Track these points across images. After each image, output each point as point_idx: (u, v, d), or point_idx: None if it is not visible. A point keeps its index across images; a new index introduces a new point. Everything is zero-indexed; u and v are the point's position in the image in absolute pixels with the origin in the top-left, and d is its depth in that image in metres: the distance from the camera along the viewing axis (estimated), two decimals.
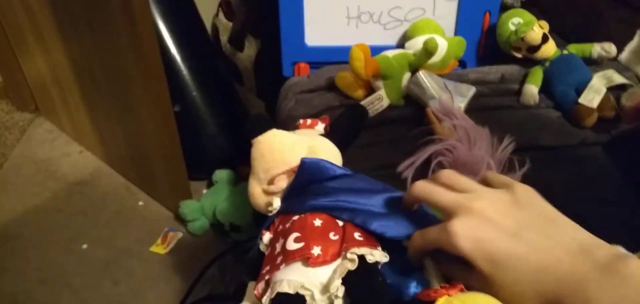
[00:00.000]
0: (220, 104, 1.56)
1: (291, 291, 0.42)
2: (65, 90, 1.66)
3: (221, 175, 1.56)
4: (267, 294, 0.43)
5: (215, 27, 1.68)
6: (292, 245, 0.45)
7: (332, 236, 0.45)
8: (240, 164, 1.64)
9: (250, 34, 1.54)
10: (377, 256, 0.43)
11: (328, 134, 0.63)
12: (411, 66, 0.90)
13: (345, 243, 0.44)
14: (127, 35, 1.19)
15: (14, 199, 1.68)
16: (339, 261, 0.43)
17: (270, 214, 0.52)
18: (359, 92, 0.92)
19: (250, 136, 0.58)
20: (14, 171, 1.78)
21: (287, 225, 0.48)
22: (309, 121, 0.71)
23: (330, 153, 0.58)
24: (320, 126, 0.66)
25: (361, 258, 0.42)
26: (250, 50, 1.57)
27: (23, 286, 1.43)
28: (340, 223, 0.47)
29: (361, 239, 0.45)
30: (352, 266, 0.42)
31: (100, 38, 1.31)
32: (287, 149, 0.55)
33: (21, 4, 1.54)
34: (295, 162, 0.53)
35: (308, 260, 0.43)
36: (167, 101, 1.32)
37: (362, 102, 0.90)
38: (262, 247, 0.51)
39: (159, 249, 1.53)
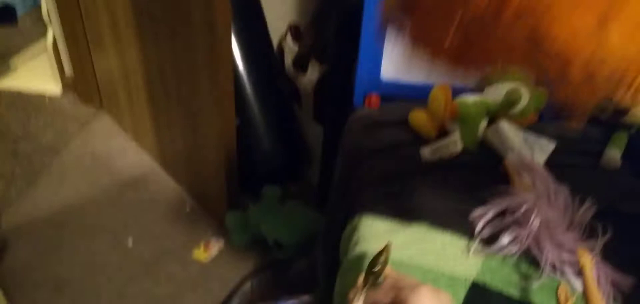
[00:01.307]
0: (277, 122, 1.59)
1: None
2: (132, 90, 1.73)
3: (270, 191, 1.57)
4: None
5: (281, 48, 1.72)
6: None
7: None
8: (289, 183, 1.65)
9: (314, 58, 1.57)
10: None
11: None
12: (490, 113, 0.89)
13: None
14: (206, 49, 1.23)
15: (69, 188, 1.74)
16: None
17: None
18: (432, 132, 0.91)
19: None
20: (71, 161, 1.85)
21: None
22: None
23: None
24: None
25: None
26: (312, 74, 1.59)
27: (66, 274, 1.46)
28: None
29: None
30: None
31: (177, 46, 1.36)
32: None
33: (105, 7, 1.62)
34: None
35: None
36: (232, 112, 1.35)
37: (435, 143, 0.89)
38: None
39: (200, 255, 1.54)
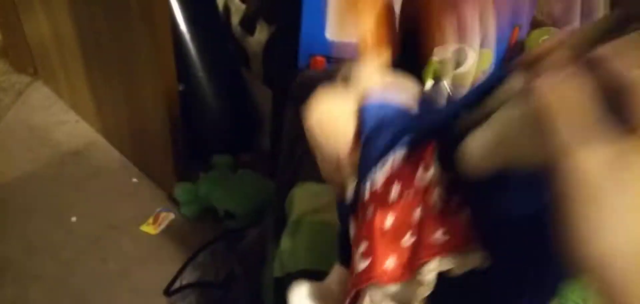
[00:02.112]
0: (225, 88, 1.52)
1: None
2: (67, 56, 1.61)
3: (220, 160, 1.52)
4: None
5: (227, 8, 1.64)
6: (361, 264, 0.36)
7: (408, 239, 0.34)
8: (240, 151, 1.60)
9: (263, 18, 1.50)
10: (471, 261, 0.30)
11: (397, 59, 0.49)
12: (435, 73, 0.87)
13: (419, 249, 0.33)
14: (139, 7, 1.15)
15: (4, 163, 1.63)
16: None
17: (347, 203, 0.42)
18: None
19: (299, 104, 0.46)
20: (7, 134, 1.73)
21: (361, 223, 0.38)
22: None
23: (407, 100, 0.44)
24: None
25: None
26: (261, 35, 1.52)
27: (8, 254, 1.38)
28: (417, 215, 0.34)
29: (445, 239, 0.31)
30: (426, 291, 0.31)
31: (109, 8, 1.27)
32: (347, 122, 0.42)
33: None
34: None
35: (378, 282, 0.34)
36: (173, 77, 1.28)
37: None
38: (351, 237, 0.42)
39: (149, 229, 1.49)
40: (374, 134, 0.39)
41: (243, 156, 1.60)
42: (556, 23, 0.94)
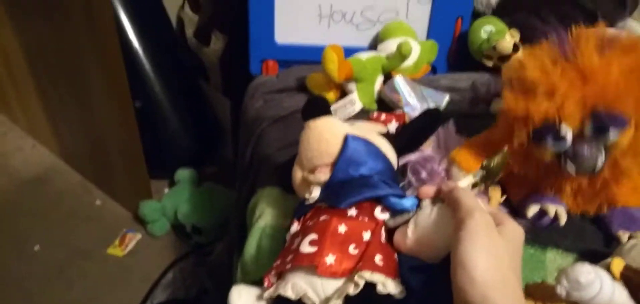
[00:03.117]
0: (183, 101, 1.50)
1: (294, 297, 0.41)
2: (18, 80, 1.57)
3: (183, 175, 1.50)
4: (270, 290, 0.43)
5: (180, 20, 1.61)
6: (306, 248, 0.43)
7: (353, 249, 0.43)
8: (204, 164, 1.59)
9: (217, 28, 1.48)
10: (391, 287, 0.40)
11: (394, 134, 0.59)
12: (384, 69, 0.88)
13: (361, 261, 0.41)
14: (85, 23, 1.13)
15: None
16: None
17: (307, 204, 0.50)
18: (331, 95, 0.88)
19: (304, 117, 0.54)
20: None
21: (311, 223, 0.47)
22: (383, 116, 0.68)
23: (385, 154, 0.55)
24: (393, 125, 0.63)
25: (372, 285, 0.40)
26: (216, 45, 1.51)
27: None
28: (366, 237, 0.44)
29: (381, 263, 0.41)
30: (353, 291, 0.39)
31: (55, 25, 1.24)
32: (336, 141, 0.51)
33: None
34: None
35: (317, 267, 0.41)
36: (127, 94, 1.26)
37: (334, 106, 0.86)
38: (287, 236, 0.50)
39: (116, 251, 1.46)
40: (349, 164, 0.50)
41: (207, 168, 1.58)
42: (495, 12, 0.96)
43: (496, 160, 0.49)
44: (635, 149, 0.53)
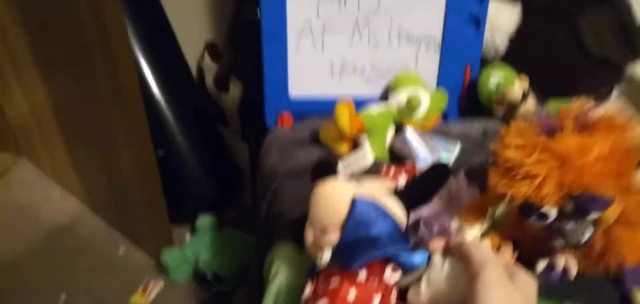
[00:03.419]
0: (204, 148, 1.54)
1: None
2: (45, 131, 1.63)
3: (205, 221, 1.52)
4: None
5: (200, 69, 1.67)
6: None
7: None
8: (224, 208, 1.61)
9: (234, 75, 1.53)
10: None
11: (403, 190, 0.59)
12: (396, 121, 0.89)
13: None
14: (107, 75, 1.17)
15: None
16: None
17: (319, 266, 0.52)
18: (344, 147, 0.90)
19: (312, 179, 0.56)
20: None
21: (323, 288, 0.48)
22: (392, 171, 0.70)
23: (394, 214, 0.55)
24: (402, 180, 0.64)
25: None
26: (235, 92, 1.55)
27: None
28: (376, 301, 0.46)
29: None
30: None
31: (79, 76, 1.29)
32: (344, 203, 0.52)
33: (4, 48, 1.52)
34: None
35: None
36: (148, 143, 1.29)
37: (347, 158, 0.88)
38: (302, 299, 0.52)
39: (139, 300, 1.48)
40: (358, 226, 0.51)
41: (227, 212, 1.61)
42: (503, 59, 0.97)
43: (501, 208, 0.50)
44: (626, 219, 0.52)
